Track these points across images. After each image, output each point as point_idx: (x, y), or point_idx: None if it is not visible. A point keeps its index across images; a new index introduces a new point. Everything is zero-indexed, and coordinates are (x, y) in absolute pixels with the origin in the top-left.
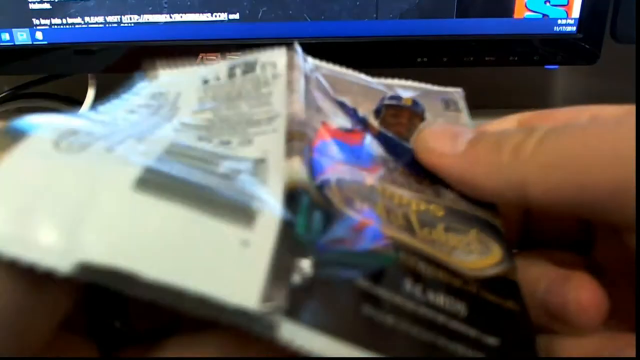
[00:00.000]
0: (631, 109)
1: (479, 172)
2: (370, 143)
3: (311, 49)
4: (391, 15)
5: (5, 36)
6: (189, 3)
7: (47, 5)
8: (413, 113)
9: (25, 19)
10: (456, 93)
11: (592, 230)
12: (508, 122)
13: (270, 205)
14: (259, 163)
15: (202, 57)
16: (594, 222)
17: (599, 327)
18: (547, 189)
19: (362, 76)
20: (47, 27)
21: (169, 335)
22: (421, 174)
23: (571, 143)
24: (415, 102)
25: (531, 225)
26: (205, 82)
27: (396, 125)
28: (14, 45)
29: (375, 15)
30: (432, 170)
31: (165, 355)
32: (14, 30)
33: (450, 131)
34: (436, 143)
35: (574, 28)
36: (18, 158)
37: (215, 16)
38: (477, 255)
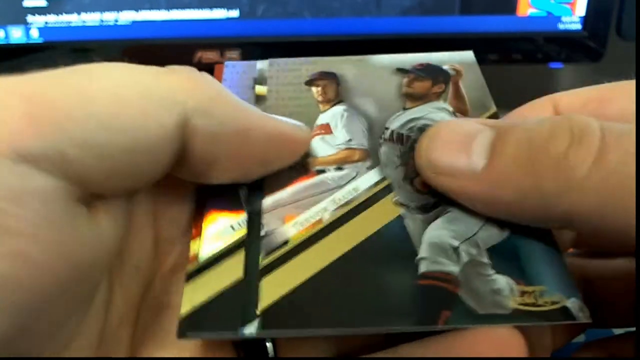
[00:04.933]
0: None
1: (508, 200)
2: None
3: (311, 47)
4: (392, 12)
5: (0, 34)
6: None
7: (42, 3)
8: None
9: (19, 16)
10: None
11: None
12: (540, 108)
13: None
14: None
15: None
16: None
17: None
18: (605, 221)
19: None
20: (42, 24)
21: None
22: None
23: None
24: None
25: None
26: None
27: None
28: (9, 43)
29: (376, 12)
30: (444, 193)
31: None
32: (8, 27)
33: (461, 134)
34: (444, 156)
35: (579, 25)
36: None
37: (214, 13)
38: None
